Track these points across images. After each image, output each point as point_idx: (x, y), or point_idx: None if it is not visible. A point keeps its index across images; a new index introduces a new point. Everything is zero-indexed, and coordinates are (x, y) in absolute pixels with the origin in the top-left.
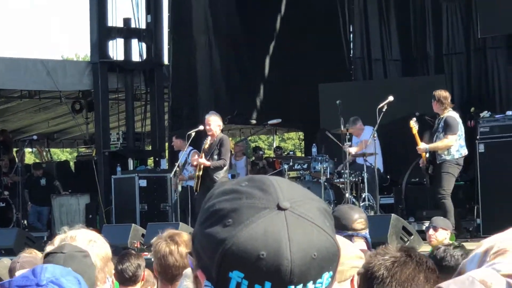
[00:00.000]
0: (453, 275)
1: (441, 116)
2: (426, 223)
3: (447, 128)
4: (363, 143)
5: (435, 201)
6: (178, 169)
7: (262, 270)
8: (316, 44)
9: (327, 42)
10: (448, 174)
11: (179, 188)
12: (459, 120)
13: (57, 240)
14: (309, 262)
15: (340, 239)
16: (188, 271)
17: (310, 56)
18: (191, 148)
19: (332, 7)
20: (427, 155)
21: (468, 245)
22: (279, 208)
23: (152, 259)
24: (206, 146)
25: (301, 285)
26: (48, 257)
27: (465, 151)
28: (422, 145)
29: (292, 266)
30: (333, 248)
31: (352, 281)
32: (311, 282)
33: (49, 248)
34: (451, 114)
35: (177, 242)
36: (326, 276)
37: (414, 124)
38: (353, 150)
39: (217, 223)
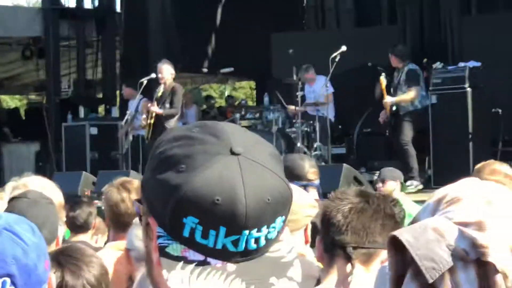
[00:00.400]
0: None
1: (401, 69)
2: (378, 173)
3: (411, 80)
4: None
5: (398, 149)
6: (129, 117)
7: (217, 215)
8: None
9: None
10: (410, 123)
11: (130, 138)
12: (420, 72)
13: (8, 187)
14: (264, 206)
15: (294, 188)
16: (137, 219)
17: (262, 4)
18: (141, 96)
19: None
20: (393, 108)
21: (420, 195)
22: (232, 153)
23: (103, 207)
24: (159, 94)
25: (256, 229)
26: (12, 201)
27: (427, 102)
28: (388, 99)
29: (247, 210)
30: (286, 192)
31: (306, 230)
32: (265, 226)
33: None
34: (412, 67)
35: (129, 189)
36: (279, 220)
37: (383, 79)
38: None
39: (170, 169)
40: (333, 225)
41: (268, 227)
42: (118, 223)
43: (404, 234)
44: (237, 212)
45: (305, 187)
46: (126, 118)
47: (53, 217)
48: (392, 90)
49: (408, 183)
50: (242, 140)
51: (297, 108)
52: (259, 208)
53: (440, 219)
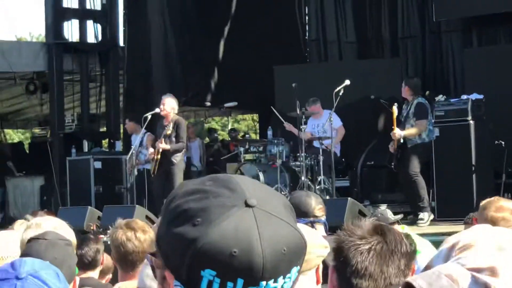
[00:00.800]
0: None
1: (410, 102)
2: (382, 206)
3: (419, 113)
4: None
5: (406, 181)
6: (134, 152)
7: (234, 267)
8: (271, 26)
9: (282, 24)
10: (417, 156)
11: (135, 172)
12: (429, 106)
13: (16, 225)
14: (280, 257)
15: (305, 228)
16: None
17: (265, 38)
18: (145, 131)
19: None
20: (401, 140)
21: (424, 228)
22: (247, 205)
23: (111, 248)
24: (168, 132)
25: (272, 280)
26: (31, 242)
27: (434, 135)
28: (397, 131)
29: (264, 262)
30: (301, 242)
31: (317, 270)
32: (281, 277)
33: (11, 232)
34: (421, 100)
35: (134, 228)
36: (294, 270)
37: (395, 110)
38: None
39: (186, 222)
40: (350, 266)
41: (284, 278)
42: (126, 263)
43: (418, 281)
44: (254, 263)
45: (312, 223)
46: (130, 152)
47: (70, 259)
48: (404, 122)
49: (420, 215)
50: (256, 192)
51: (302, 135)
52: (276, 259)
53: (453, 265)
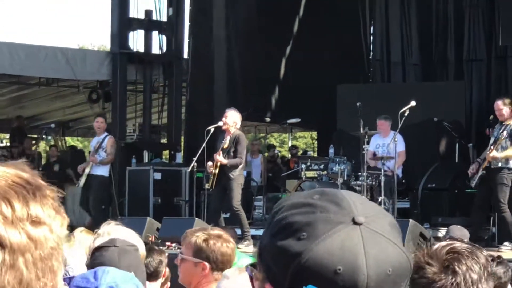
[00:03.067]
0: None
1: (507, 123)
2: (442, 230)
3: None
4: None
5: (497, 211)
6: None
7: (338, 284)
8: (335, 45)
9: (346, 43)
10: (504, 185)
11: (86, 171)
12: None
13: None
14: (384, 278)
15: None
16: (227, 272)
17: (328, 56)
18: (106, 133)
19: (353, 8)
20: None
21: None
22: (355, 222)
23: (207, 256)
24: (225, 146)
25: None
26: (101, 250)
27: None
28: (493, 153)
29: (368, 281)
30: (407, 263)
31: None
32: None
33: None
34: None
35: (228, 239)
36: None
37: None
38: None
39: (291, 236)
40: None
41: None
42: (223, 267)
43: None
44: (358, 282)
45: None
46: (192, 164)
47: (141, 265)
48: (495, 143)
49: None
50: (364, 209)
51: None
52: (380, 280)
53: None
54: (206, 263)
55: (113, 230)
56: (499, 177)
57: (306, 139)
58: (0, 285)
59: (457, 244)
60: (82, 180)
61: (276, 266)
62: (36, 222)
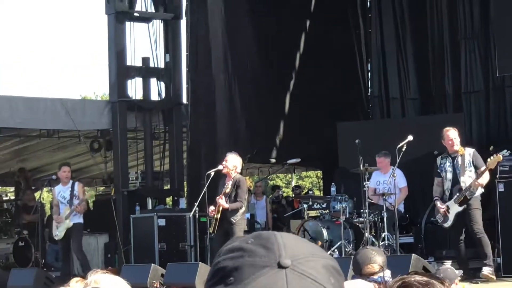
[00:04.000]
0: None
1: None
2: (446, 263)
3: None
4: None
5: (472, 238)
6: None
7: None
8: (334, 83)
9: (345, 80)
10: (479, 210)
11: (68, 223)
12: None
13: (72, 282)
14: None
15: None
16: None
17: (328, 94)
18: (72, 181)
19: (350, 45)
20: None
21: (488, 285)
22: (280, 266)
23: None
24: (227, 190)
25: None
26: None
27: None
28: (480, 180)
29: None
30: None
31: None
32: None
33: None
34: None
35: None
36: None
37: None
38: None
39: (221, 281)
40: None
41: None
42: None
43: None
44: None
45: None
46: (194, 209)
47: None
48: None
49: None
50: (294, 251)
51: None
52: None
53: None
54: None
55: (100, 279)
56: (476, 203)
57: (312, 178)
58: None
59: (411, 278)
60: (62, 232)
61: None
62: None
